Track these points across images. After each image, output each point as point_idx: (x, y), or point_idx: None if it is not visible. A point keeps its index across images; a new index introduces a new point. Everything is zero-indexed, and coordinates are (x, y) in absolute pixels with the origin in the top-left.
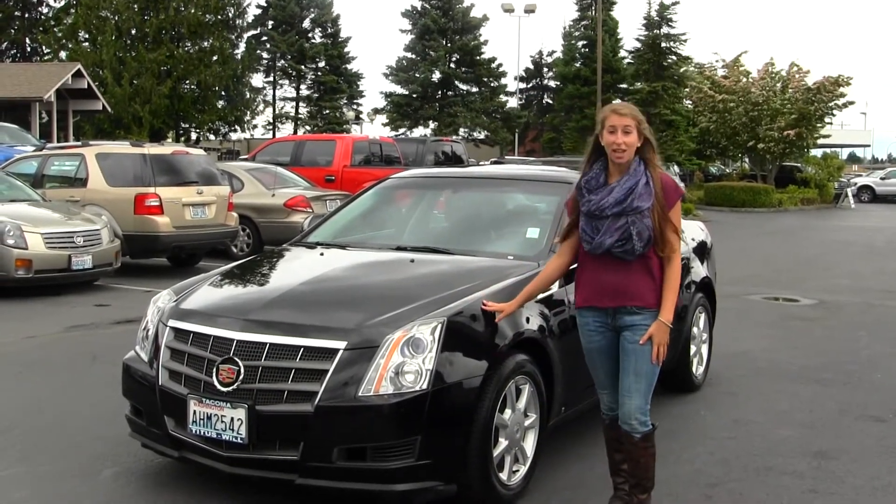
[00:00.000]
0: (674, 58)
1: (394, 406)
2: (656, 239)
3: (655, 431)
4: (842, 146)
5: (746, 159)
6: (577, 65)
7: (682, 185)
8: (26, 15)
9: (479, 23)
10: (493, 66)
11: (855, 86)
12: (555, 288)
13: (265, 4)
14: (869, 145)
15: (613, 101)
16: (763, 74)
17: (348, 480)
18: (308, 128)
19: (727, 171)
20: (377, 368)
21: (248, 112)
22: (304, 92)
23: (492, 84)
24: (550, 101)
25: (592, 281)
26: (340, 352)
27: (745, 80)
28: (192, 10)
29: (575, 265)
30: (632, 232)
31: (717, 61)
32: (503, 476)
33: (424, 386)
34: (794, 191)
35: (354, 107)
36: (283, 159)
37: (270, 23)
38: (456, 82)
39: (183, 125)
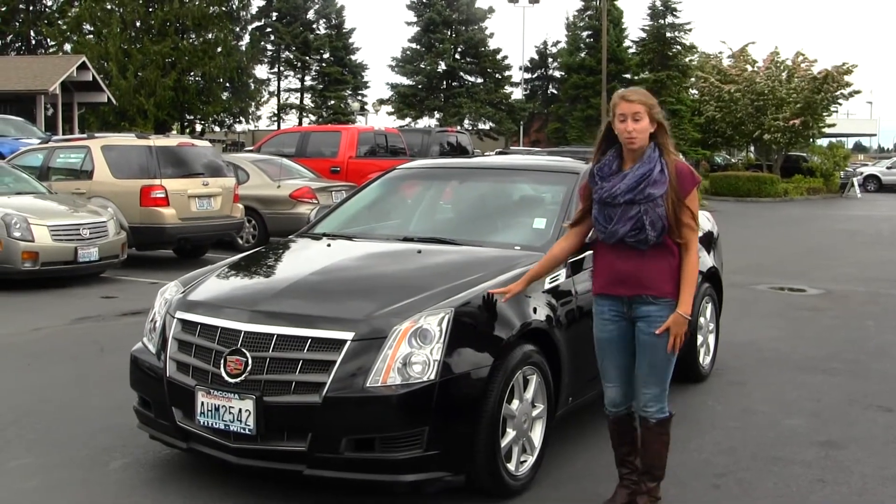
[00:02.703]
0: (678, 47)
1: (402, 397)
2: (671, 227)
3: (671, 420)
4: (848, 135)
5: (752, 149)
6: (582, 55)
7: None
8: (31, 7)
9: (483, 14)
10: (498, 57)
11: (861, 75)
12: (561, 278)
13: None
14: (875, 134)
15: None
16: (768, 64)
17: (356, 471)
18: (313, 118)
19: (732, 160)
20: (385, 359)
21: (253, 103)
22: (309, 83)
23: (496, 75)
24: (555, 92)
25: (608, 269)
26: (348, 342)
27: (750, 69)
28: (197, 2)
29: (588, 252)
30: (644, 221)
31: (721, 52)
32: (511, 466)
33: (432, 377)
34: (799, 180)
35: (359, 98)
36: (288, 150)
37: (274, 14)
38: (461, 73)
39: (188, 117)
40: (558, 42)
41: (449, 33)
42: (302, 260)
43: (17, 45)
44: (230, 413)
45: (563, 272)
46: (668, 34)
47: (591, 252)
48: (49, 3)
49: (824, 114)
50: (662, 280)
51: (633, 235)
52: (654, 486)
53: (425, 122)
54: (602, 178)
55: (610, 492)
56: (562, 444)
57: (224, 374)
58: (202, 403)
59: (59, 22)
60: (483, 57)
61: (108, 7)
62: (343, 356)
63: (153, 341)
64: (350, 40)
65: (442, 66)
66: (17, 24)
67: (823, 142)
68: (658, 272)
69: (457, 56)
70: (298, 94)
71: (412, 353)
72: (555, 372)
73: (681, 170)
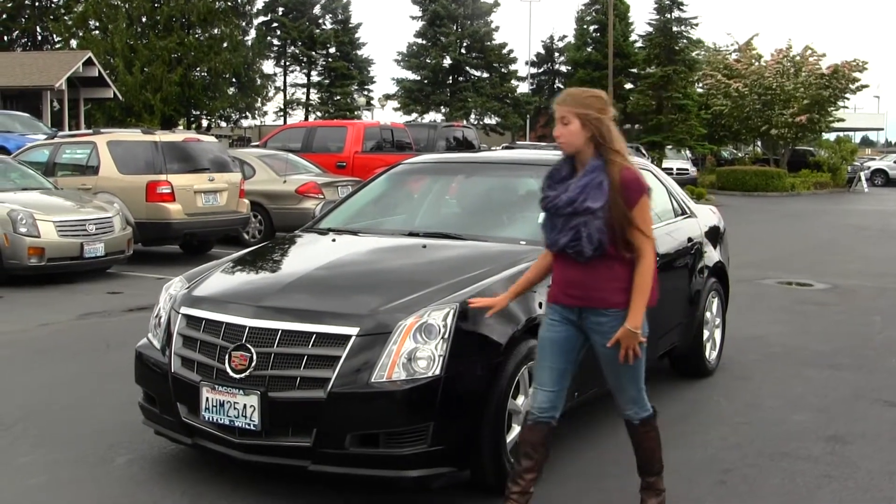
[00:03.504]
0: (685, 42)
1: (406, 392)
2: (616, 240)
3: (658, 415)
4: (855, 130)
5: (759, 143)
6: (589, 49)
7: (653, 177)
8: (37, 3)
9: (489, 8)
10: (504, 51)
11: (868, 69)
12: None
13: None
14: (882, 129)
15: (629, 83)
16: (779, 58)
17: (361, 466)
18: (319, 114)
19: (739, 155)
20: (390, 354)
21: (259, 99)
22: (315, 78)
23: (502, 70)
24: (562, 86)
25: (560, 277)
26: (353, 338)
27: (756, 63)
28: None
29: None
30: (582, 234)
31: (730, 45)
32: None
33: (437, 372)
34: (806, 175)
35: (365, 93)
36: (294, 146)
37: (281, 9)
38: (467, 68)
39: (194, 112)
40: (565, 36)
41: (454, 27)
42: (307, 255)
43: (22, 40)
44: (235, 409)
45: None
46: (674, 29)
47: None
48: None
49: (831, 109)
50: (610, 291)
51: (572, 247)
52: (654, 479)
53: (431, 116)
54: (550, 185)
55: (613, 488)
56: (567, 440)
57: (229, 370)
58: (207, 399)
59: (65, 17)
60: (489, 51)
61: (114, 2)
62: (348, 352)
63: (158, 337)
64: (356, 35)
65: (447, 61)
66: (23, 19)
67: (831, 136)
68: (605, 282)
69: (462, 50)
70: (304, 90)
71: (417, 349)
72: None
73: (626, 179)
